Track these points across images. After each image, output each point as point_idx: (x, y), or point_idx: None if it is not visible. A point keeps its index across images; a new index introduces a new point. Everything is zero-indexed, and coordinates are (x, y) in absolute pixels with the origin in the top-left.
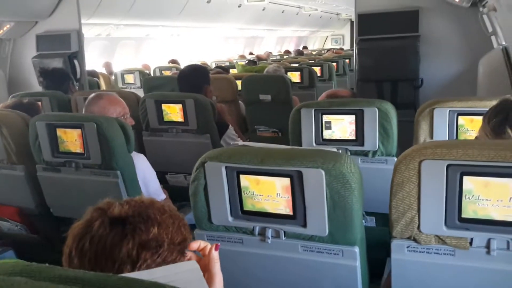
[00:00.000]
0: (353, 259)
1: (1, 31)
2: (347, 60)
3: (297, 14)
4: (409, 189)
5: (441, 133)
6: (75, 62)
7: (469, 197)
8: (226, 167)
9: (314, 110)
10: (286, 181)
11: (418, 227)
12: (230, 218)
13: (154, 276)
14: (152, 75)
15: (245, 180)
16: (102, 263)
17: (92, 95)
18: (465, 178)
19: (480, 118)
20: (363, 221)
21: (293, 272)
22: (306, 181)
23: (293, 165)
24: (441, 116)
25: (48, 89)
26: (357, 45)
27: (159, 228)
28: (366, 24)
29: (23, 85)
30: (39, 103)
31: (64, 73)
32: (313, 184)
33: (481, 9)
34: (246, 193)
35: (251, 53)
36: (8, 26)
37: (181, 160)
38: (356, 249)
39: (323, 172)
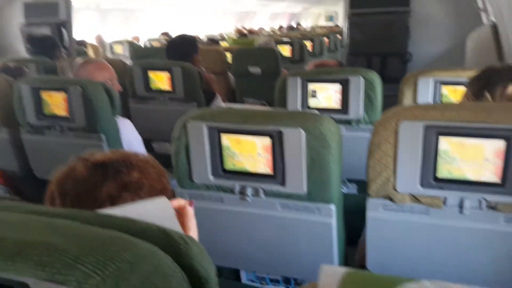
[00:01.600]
0: (329, 216)
1: None
2: (339, 36)
3: None
4: (385, 149)
5: (424, 102)
6: (63, 30)
7: (444, 158)
8: (208, 126)
9: (300, 79)
10: (267, 140)
11: (394, 187)
12: (211, 177)
13: (125, 212)
14: (142, 46)
15: (226, 139)
16: (83, 203)
17: (81, 60)
18: (441, 138)
19: (464, 88)
20: (344, 187)
21: (271, 229)
22: (286, 141)
23: (274, 125)
24: (425, 85)
25: (36, 56)
26: (349, 19)
27: (141, 174)
28: None
29: (9, 53)
30: (26, 68)
31: (52, 40)
32: (293, 144)
33: None
34: (227, 152)
35: (239, 30)
36: None
37: (168, 128)
38: (332, 207)
39: (303, 132)
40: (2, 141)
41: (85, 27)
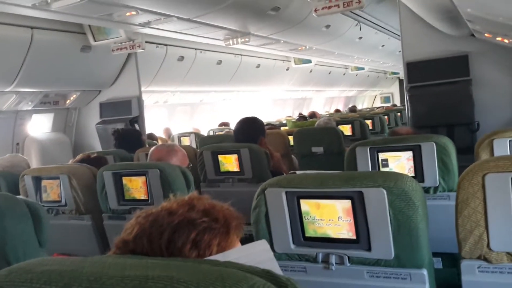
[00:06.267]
0: (422, 283)
1: (69, 101)
2: (398, 114)
3: (344, 74)
4: (474, 205)
5: None
6: (136, 126)
7: None
8: (286, 192)
9: (370, 148)
10: (347, 203)
11: (488, 245)
12: (292, 246)
13: (227, 257)
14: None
15: (305, 205)
16: None
17: (157, 145)
18: None
19: None
20: None
21: None
22: (367, 202)
23: (353, 186)
24: (501, 146)
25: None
26: (408, 92)
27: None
28: (415, 72)
29: (87, 150)
30: (106, 157)
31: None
32: (375, 205)
33: None
34: (307, 218)
35: (300, 114)
36: (74, 96)
37: (238, 209)
38: (425, 272)
39: (384, 191)
40: (86, 228)
41: (153, 121)
